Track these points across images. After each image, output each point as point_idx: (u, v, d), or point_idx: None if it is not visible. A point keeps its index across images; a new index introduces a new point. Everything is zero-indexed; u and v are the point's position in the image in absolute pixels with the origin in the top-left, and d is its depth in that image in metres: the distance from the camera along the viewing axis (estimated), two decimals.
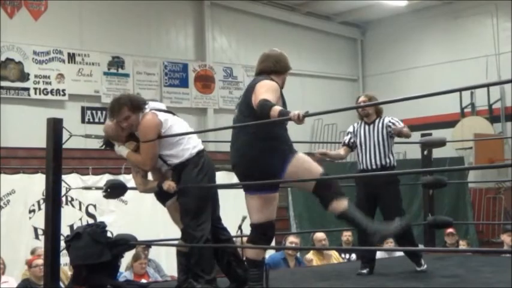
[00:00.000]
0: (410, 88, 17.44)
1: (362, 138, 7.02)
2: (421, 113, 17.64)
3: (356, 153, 7.13)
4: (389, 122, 7.02)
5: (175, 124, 5.77)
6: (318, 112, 5.82)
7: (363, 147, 7.00)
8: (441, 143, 8.45)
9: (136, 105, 5.72)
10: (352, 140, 7.13)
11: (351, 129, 7.18)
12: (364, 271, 6.83)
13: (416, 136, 9.58)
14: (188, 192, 5.63)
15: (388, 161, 6.94)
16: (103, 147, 6.18)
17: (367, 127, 7.04)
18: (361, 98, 7.10)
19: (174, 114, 5.91)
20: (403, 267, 7.07)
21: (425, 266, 6.87)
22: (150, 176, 5.97)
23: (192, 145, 5.72)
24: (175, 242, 6.04)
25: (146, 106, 5.77)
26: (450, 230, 11.57)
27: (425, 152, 8.60)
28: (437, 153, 8.92)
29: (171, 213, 6.00)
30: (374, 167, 6.90)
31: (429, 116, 17.68)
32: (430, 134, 8.85)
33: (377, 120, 7.05)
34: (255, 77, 5.73)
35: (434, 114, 17.61)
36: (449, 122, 17.05)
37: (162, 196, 5.93)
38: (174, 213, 5.95)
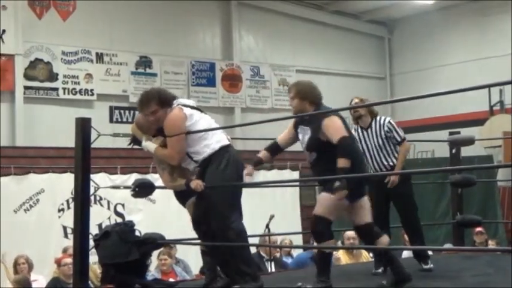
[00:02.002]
0: (437, 86, 17.30)
1: (363, 144, 6.95)
2: (449, 111, 17.54)
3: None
4: (388, 123, 6.93)
5: (201, 120, 5.77)
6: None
7: (365, 153, 6.95)
8: (470, 142, 8.41)
9: (164, 99, 5.74)
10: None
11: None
12: (379, 270, 6.82)
13: (444, 134, 9.54)
14: (213, 189, 5.59)
15: (394, 160, 6.91)
16: (131, 145, 6.22)
17: (365, 133, 6.97)
18: (354, 101, 7.04)
19: (201, 111, 5.92)
20: (411, 267, 7.02)
21: (431, 265, 6.86)
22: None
23: (215, 140, 5.68)
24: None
25: (174, 102, 5.79)
26: (479, 229, 11.47)
27: (454, 151, 8.53)
28: (465, 151, 8.85)
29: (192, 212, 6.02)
30: (381, 169, 6.88)
31: (457, 114, 17.57)
32: (459, 132, 8.81)
33: (373, 123, 6.98)
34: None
35: (462, 112, 17.49)
36: (477, 120, 16.90)
37: (183, 195, 5.94)
38: None
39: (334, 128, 5.66)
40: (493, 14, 17.95)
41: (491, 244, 11.97)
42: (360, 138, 6.95)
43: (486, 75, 15.94)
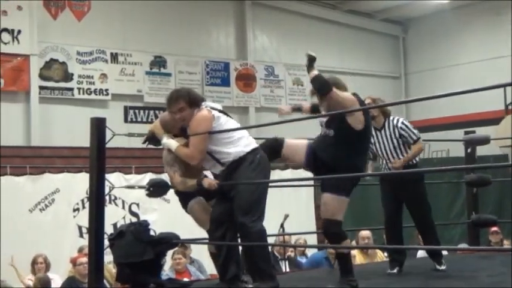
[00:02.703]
0: (453, 85, 17.24)
1: (377, 145, 6.94)
2: (464, 110, 17.46)
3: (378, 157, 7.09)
4: (402, 124, 6.92)
5: (227, 123, 5.81)
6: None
7: (379, 153, 6.95)
8: (485, 141, 8.38)
9: (193, 99, 5.76)
10: (372, 150, 7.08)
11: None
12: (394, 271, 6.80)
13: (459, 133, 9.50)
14: (245, 190, 5.59)
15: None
16: (145, 144, 6.23)
17: (378, 133, 6.94)
18: (367, 101, 6.99)
19: (228, 115, 5.93)
20: (425, 267, 6.99)
21: (445, 266, 6.83)
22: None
23: (244, 143, 5.70)
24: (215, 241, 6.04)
25: (203, 104, 5.81)
26: (494, 228, 11.42)
27: (469, 150, 8.50)
28: (480, 150, 8.81)
29: (197, 213, 6.02)
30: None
31: (472, 113, 17.49)
32: (474, 132, 8.76)
33: (386, 124, 6.95)
34: None
35: (477, 111, 17.40)
36: (493, 120, 16.82)
37: (186, 197, 5.95)
38: (200, 214, 5.97)
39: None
40: (508, 13, 17.86)
41: (507, 244, 11.91)
42: (374, 140, 6.93)
43: (501, 75, 15.84)
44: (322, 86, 5.70)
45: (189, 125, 5.70)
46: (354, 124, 5.68)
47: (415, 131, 6.92)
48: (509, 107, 17.30)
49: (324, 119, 5.89)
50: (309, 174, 6.74)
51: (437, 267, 6.83)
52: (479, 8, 18.52)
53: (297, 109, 6.46)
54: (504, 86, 4.55)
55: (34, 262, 10.41)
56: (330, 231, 5.76)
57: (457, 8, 18.68)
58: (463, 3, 18.48)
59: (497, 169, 13.33)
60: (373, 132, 6.83)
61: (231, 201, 5.63)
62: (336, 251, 5.84)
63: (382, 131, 6.90)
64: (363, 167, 5.99)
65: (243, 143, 5.72)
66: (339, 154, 5.69)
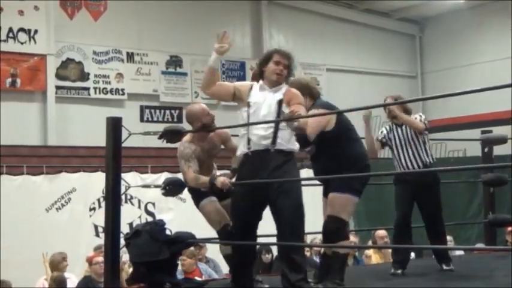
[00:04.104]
0: (469, 85, 17.15)
1: (397, 141, 6.94)
2: (481, 109, 17.37)
3: (393, 156, 7.05)
4: (419, 116, 6.97)
5: None
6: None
7: (399, 149, 6.93)
8: (502, 141, 8.33)
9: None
10: (384, 139, 7.06)
11: (384, 131, 7.11)
12: (399, 271, 6.75)
13: (476, 133, 9.45)
14: (295, 190, 5.42)
15: (426, 160, 6.88)
16: (162, 141, 6.24)
17: (399, 129, 6.96)
18: (388, 100, 6.97)
19: None
20: (431, 267, 6.95)
21: (453, 266, 6.80)
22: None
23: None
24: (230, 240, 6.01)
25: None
26: (511, 228, 11.37)
27: (486, 149, 8.46)
28: (497, 150, 8.76)
29: (208, 213, 5.97)
30: (413, 167, 6.84)
31: (489, 112, 17.40)
32: (491, 131, 8.71)
33: None
34: None
35: (494, 110, 17.30)
36: (510, 119, 16.74)
37: (199, 195, 5.93)
38: (212, 214, 5.93)
39: (313, 119, 5.55)
40: None
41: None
42: (393, 135, 6.98)
43: None
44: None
45: (293, 94, 5.50)
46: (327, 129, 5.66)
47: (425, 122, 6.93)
48: None
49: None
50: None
51: (445, 267, 6.80)
52: (495, 7, 18.45)
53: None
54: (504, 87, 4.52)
55: (56, 260, 10.34)
56: (328, 227, 5.62)
57: (474, 7, 18.61)
58: (478, 2, 18.43)
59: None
60: (394, 128, 6.97)
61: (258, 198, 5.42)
62: (332, 250, 5.62)
63: (403, 127, 6.92)
64: (363, 156, 5.86)
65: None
66: (331, 156, 5.66)
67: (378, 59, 19.36)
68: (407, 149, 6.90)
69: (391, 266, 6.88)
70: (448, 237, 9.19)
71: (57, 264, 10.16)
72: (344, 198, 5.61)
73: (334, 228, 5.60)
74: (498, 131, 9.42)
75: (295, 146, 5.49)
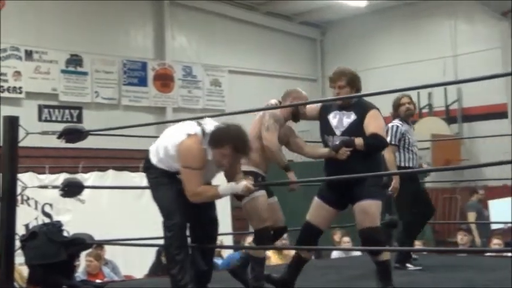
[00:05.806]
0: (369, 89, 17.21)
1: (412, 139, 7.20)
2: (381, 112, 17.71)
3: (401, 153, 7.19)
4: None
5: None
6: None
7: (413, 148, 7.19)
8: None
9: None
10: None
11: (402, 129, 7.22)
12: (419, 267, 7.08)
13: None
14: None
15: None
16: (61, 140, 6.16)
17: (411, 129, 7.27)
18: (405, 100, 7.27)
19: None
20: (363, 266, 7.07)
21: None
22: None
23: None
24: (135, 242, 5.96)
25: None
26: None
27: None
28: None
29: (261, 208, 5.60)
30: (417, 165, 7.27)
31: (384, 116, 17.73)
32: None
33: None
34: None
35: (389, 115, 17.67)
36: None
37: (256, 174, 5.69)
38: (265, 210, 5.60)
39: (377, 123, 5.86)
40: (424, 17, 18.30)
41: (418, 244, 12.09)
42: (410, 133, 7.25)
43: (417, 78, 16.14)
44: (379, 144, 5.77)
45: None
46: (368, 127, 5.89)
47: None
48: (423, 111, 17.67)
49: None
50: None
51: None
52: (396, 12, 18.87)
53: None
54: (412, 89, 4.64)
55: None
56: (375, 238, 5.35)
57: (375, 11, 18.96)
58: (380, 7, 18.78)
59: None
60: (408, 128, 7.26)
61: None
62: (376, 259, 5.43)
63: (412, 126, 7.35)
64: (379, 160, 5.87)
65: None
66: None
67: (279, 61, 19.54)
68: (416, 148, 7.32)
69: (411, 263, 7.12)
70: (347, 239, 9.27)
71: None
72: (378, 204, 5.50)
73: (380, 239, 5.42)
74: None
75: None
